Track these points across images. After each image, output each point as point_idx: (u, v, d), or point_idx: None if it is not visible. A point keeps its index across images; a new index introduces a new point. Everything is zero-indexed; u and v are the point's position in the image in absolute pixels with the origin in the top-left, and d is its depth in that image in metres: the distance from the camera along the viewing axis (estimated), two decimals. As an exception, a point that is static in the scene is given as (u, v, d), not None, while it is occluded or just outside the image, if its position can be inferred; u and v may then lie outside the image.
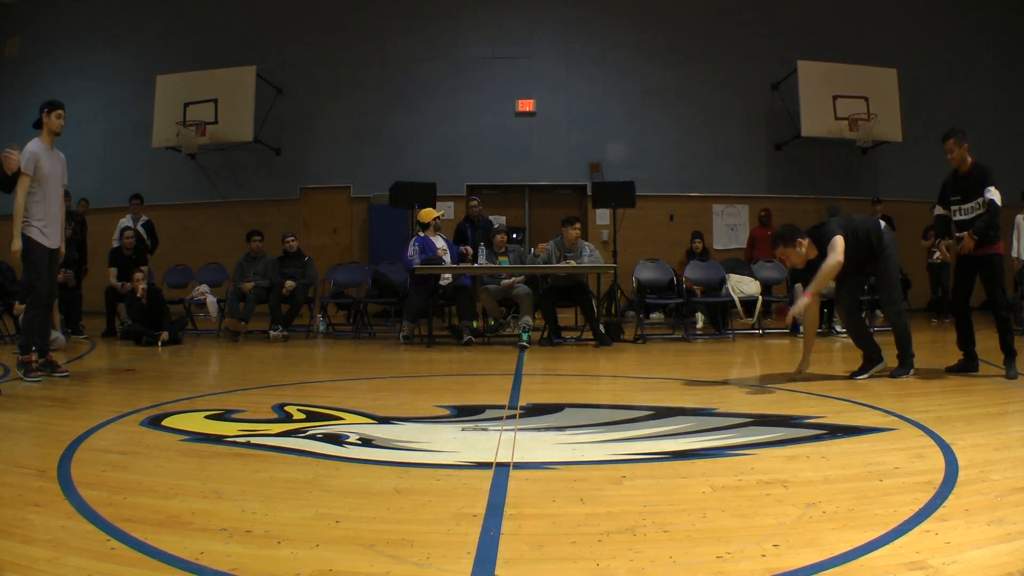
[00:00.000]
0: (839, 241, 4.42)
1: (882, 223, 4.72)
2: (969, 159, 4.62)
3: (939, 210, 4.91)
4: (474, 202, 8.48)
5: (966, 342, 4.72)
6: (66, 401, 4.01)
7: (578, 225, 6.93)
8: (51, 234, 4.69)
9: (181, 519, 1.96)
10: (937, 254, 8.71)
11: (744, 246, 10.55)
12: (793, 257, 4.58)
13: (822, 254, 4.48)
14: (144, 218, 8.86)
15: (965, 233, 4.56)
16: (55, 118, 4.67)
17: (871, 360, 4.64)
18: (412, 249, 7.26)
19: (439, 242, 7.41)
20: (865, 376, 4.55)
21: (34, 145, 4.59)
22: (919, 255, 9.64)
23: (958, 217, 4.70)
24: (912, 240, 9.83)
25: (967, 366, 4.68)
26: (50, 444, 2.81)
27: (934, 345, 6.87)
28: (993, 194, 4.43)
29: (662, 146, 11.26)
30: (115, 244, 8.34)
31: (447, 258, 7.29)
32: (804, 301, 4.44)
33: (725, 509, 2.05)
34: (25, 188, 4.52)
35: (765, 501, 2.11)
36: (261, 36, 11.60)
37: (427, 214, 7.51)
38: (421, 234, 7.41)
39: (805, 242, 4.54)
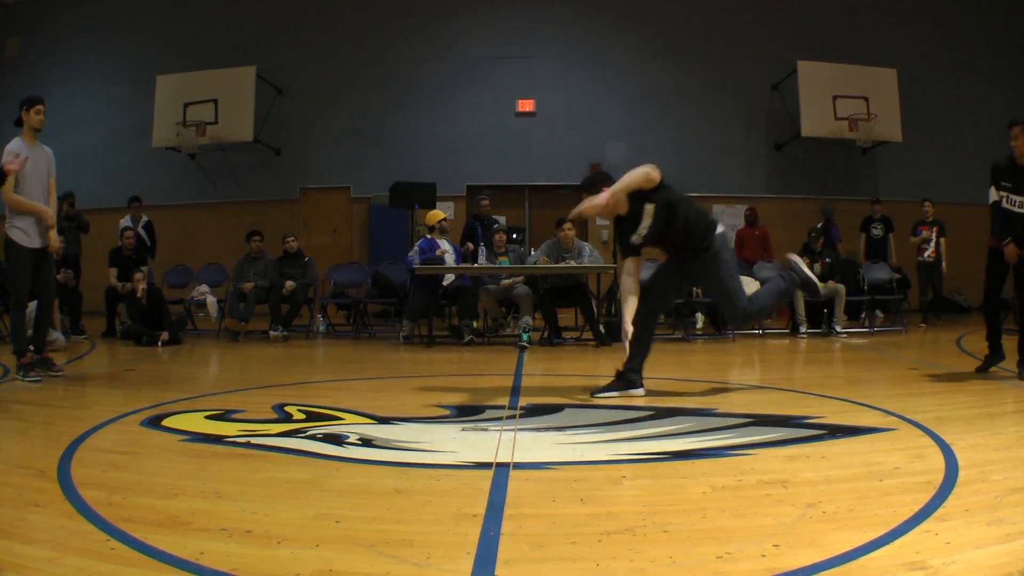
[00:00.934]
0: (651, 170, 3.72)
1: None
2: None
3: (994, 194, 4.64)
4: (485, 202, 8.46)
5: (993, 336, 4.68)
6: (66, 401, 4.01)
7: (567, 226, 6.86)
8: (34, 233, 4.66)
9: (181, 519, 1.96)
10: (929, 252, 8.41)
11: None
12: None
13: (635, 213, 3.80)
14: (144, 219, 8.87)
15: (1012, 245, 4.45)
16: (34, 114, 4.64)
17: (625, 378, 3.95)
18: (414, 251, 7.29)
19: (444, 245, 7.41)
20: (606, 395, 3.89)
21: (14, 144, 4.57)
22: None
23: (1005, 205, 4.58)
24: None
25: (992, 361, 4.63)
26: (50, 444, 2.81)
27: (929, 346, 6.87)
28: None
29: (662, 146, 11.23)
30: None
31: (449, 258, 7.29)
32: (598, 201, 3.75)
33: (725, 509, 2.05)
34: (11, 187, 4.49)
35: (765, 501, 2.11)
36: (261, 36, 11.60)
37: (433, 216, 7.49)
38: (428, 236, 7.41)
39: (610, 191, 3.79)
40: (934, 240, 8.35)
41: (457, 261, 7.40)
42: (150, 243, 8.80)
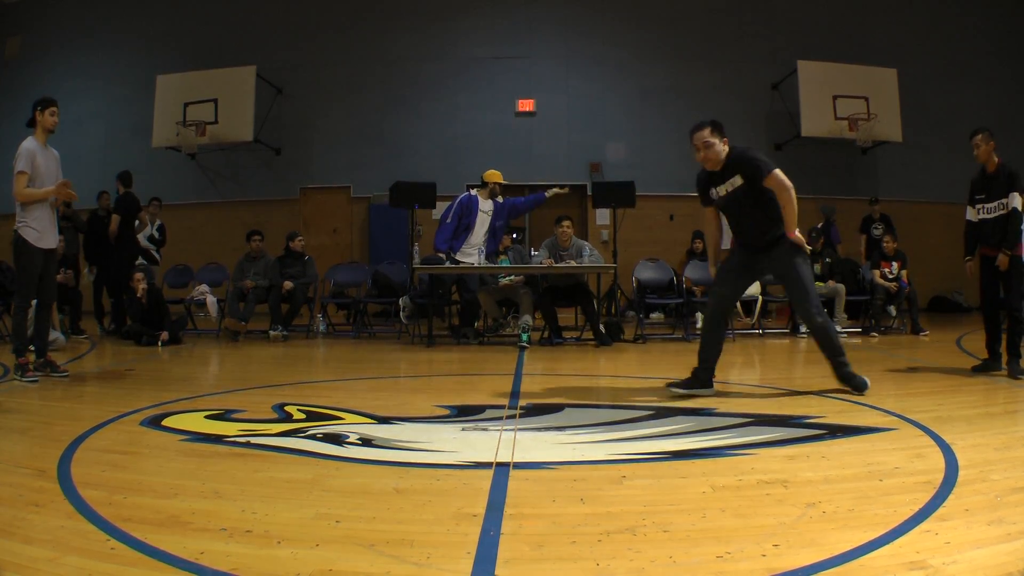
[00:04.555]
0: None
1: None
2: (996, 159, 4.67)
3: (970, 214, 4.84)
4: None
5: (992, 342, 4.74)
6: (66, 401, 4.01)
7: (566, 223, 6.84)
8: (46, 234, 4.67)
9: (181, 519, 1.96)
10: (891, 283, 7.81)
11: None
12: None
13: (724, 174, 4.08)
14: (158, 221, 8.94)
15: (1000, 254, 4.56)
16: (48, 115, 4.66)
17: (699, 377, 4.00)
18: (450, 215, 6.89)
19: (487, 205, 7.00)
20: (680, 391, 3.94)
21: (29, 143, 4.59)
22: (920, 254, 9.58)
23: (982, 215, 4.73)
24: (913, 241, 9.83)
25: (991, 366, 4.68)
26: (50, 444, 2.81)
27: (929, 346, 6.87)
28: (1016, 201, 4.52)
29: (662, 146, 11.25)
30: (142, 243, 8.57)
31: (485, 220, 6.93)
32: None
33: (725, 509, 2.05)
34: (24, 184, 4.52)
35: (765, 501, 2.11)
36: (261, 36, 11.60)
37: (490, 176, 7.13)
38: (473, 192, 7.05)
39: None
40: (896, 274, 7.91)
41: (496, 217, 7.00)
42: (160, 237, 8.90)
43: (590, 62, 11.55)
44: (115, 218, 7.94)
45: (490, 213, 7.01)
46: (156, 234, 8.79)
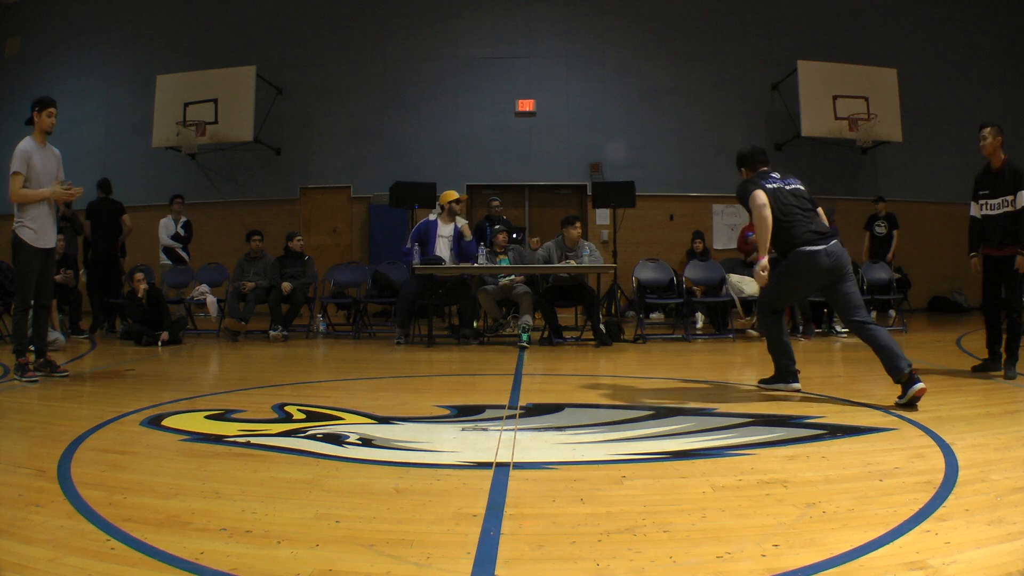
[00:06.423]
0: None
1: None
2: (1002, 155, 4.67)
3: (974, 209, 4.81)
4: (496, 203, 8.44)
5: (993, 342, 4.74)
6: (65, 401, 4.01)
7: (578, 224, 6.90)
8: (44, 234, 4.67)
9: (181, 519, 1.96)
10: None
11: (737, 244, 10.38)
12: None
13: None
14: (184, 218, 9.08)
15: (1018, 256, 4.53)
16: (46, 116, 4.66)
17: (780, 374, 4.02)
18: (409, 240, 7.07)
19: (446, 229, 7.10)
20: (771, 387, 4.02)
21: (26, 143, 4.59)
22: (920, 254, 9.60)
23: (985, 212, 4.73)
24: (913, 241, 9.84)
25: (991, 366, 4.68)
26: (50, 444, 2.81)
27: (929, 346, 6.87)
28: (1023, 199, 4.52)
29: (662, 146, 11.26)
30: (163, 244, 8.84)
31: (446, 244, 7.05)
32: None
33: (725, 509, 2.05)
34: (19, 185, 4.52)
35: (765, 501, 2.11)
36: (261, 36, 11.60)
37: (445, 196, 7.22)
38: (431, 217, 7.17)
39: None
40: None
41: (454, 248, 7.13)
42: (185, 234, 9.08)
43: (590, 62, 11.54)
44: (85, 224, 8.17)
45: (450, 238, 7.14)
46: (181, 231, 8.96)
